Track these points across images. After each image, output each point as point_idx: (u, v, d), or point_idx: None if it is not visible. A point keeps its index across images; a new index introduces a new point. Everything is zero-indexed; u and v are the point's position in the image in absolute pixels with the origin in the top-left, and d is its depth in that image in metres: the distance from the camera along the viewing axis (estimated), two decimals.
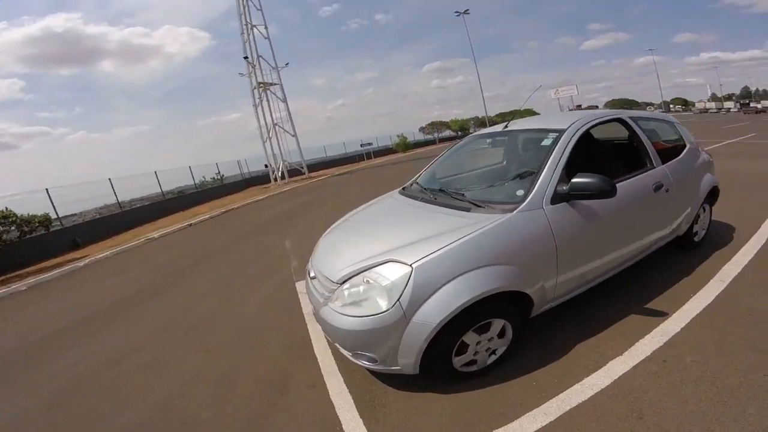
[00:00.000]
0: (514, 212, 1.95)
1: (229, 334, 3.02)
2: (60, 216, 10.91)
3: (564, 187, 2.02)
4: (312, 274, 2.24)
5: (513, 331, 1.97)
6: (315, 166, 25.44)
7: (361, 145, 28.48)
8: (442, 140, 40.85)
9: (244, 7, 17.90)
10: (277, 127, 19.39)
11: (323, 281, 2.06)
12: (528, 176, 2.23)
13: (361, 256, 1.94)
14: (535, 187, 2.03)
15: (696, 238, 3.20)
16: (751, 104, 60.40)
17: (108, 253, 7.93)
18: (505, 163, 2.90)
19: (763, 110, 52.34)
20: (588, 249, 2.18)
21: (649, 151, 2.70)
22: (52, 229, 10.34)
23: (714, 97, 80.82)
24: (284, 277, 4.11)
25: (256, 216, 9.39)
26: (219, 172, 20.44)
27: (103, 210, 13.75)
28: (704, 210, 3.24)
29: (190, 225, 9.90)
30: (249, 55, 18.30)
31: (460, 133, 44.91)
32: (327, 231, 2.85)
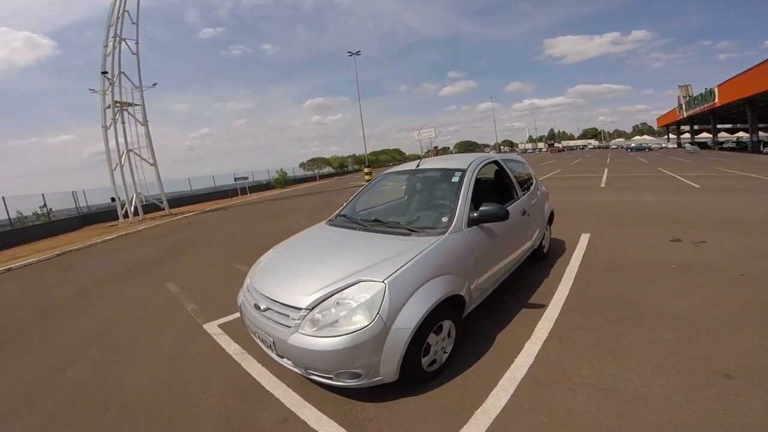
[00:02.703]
0: (446, 234, 2.45)
1: (145, 390, 2.46)
2: None
3: (474, 214, 2.64)
4: (263, 307, 2.18)
5: (456, 330, 2.36)
6: (177, 201, 21.93)
7: (235, 179, 26.36)
8: (323, 176, 41.05)
9: (117, 18, 15.37)
10: (132, 153, 16.32)
11: (283, 310, 2.05)
12: (445, 206, 2.81)
13: (326, 281, 2.06)
14: (455, 215, 2.60)
15: (544, 251, 4.37)
16: (555, 144, 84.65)
17: None
18: (423, 195, 3.43)
19: (562, 149, 73.98)
20: (491, 258, 2.82)
21: (516, 185, 3.66)
22: None
23: (531, 139, 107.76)
24: (185, 323, 3.57)
25: (110, 259, 7.52)
26: (45, 206, 15.61)
27: None
28: (547, 229, 4.47)
29: (9, 270, 7.26)
30: (109, 70, 15.45)
31: (339, 170, 46.60)
32: (258, 263, 2.80)
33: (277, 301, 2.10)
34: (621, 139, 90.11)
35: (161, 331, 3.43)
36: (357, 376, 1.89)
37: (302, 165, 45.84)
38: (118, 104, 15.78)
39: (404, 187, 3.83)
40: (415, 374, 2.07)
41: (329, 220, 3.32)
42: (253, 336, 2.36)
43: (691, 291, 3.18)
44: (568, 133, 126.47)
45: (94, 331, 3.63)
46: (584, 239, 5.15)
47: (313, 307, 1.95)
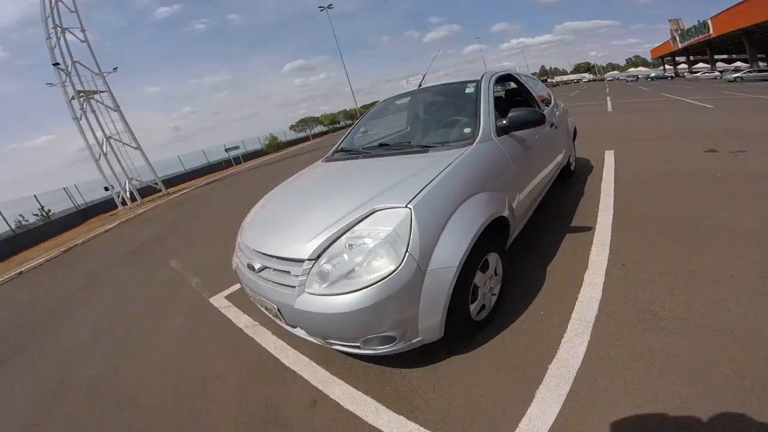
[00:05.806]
0: (474, 144, 1.98)
1: (157, 377, 2.17)
2: None
3: (503, 122, 2.15)
4: (257, 266, 1.70)
5: (502, 265, 1.92)
6: (173, 181, 21.73)
7: (226, 151, 25.44)
8: (316, 135, 40.15)
9: (51, 8, 14.36)
10: (111, 140, 15.60)
11: (282, 266, 1.58)
12: (464, 120, 2.29)
13: (330, 219, 1.56)
14: (481, 124, 2.11)
15: (571, 168, 3.93)
16: (549, 80, 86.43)
17: None
18: (432, 116, 2.86)
19: (557, 84, 76.22)
20: (529, 170, 2.36)
21: (536, 98, 3.14)
22: None
23: None
24: (192, 297, 3.25)
25: (114, 245, 7.28)
26: (42, 207, 15.17)
27: None
28: (572, 146, 3.97)
29: (20, 273, 7.12)
30: (61, 62, 14.50)
31: (331, 126, 45.22)
32: (248, 217, 2.28)
33: (272, 256, 1.62)
34: (615, 72, 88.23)
35: (169, 312, 3.10)
36: (391, 340, 1.46)
37: (292, 127, 44.59)
38: (81, 93, 15.09)
39: (406, 113, 3.26)
40: (464, 327, 1.65)
41: (326, 158, 2.82)
42: (256, 305, 1.92)
43: (754, 203, 2.63)
44: (561, 69, 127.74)
45: (102, 323, 3.30)
46: (610, 155, 4.67)
47: (318, 256, 1.46)
